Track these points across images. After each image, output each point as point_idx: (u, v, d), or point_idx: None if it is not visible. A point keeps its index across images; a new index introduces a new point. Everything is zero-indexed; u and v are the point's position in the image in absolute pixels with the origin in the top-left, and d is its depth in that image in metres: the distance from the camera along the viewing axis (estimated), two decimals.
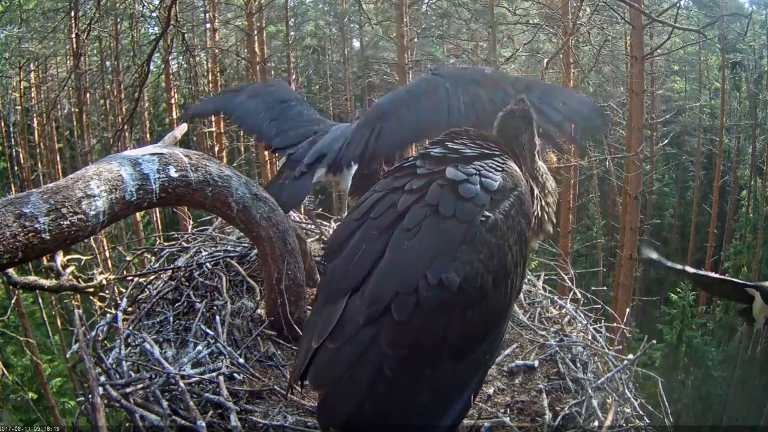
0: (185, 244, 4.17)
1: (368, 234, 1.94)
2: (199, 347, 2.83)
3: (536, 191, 2.26)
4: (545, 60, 11.39)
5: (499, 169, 2.03)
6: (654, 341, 3.45)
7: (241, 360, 2.79)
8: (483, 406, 2.71)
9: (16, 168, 20.13)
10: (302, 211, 4.75)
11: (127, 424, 2.61)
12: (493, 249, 1.88)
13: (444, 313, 1.80)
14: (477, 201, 1.91)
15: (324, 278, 2.15)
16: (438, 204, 1.90)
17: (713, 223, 19.58)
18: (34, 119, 19.89)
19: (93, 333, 3.02)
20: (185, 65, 17.77)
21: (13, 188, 18.38)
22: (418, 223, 1.87)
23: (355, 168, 3.68)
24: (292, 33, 21.07)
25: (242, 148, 20.49)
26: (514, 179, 2.04)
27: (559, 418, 2.66)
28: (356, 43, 24.27)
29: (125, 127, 7.52)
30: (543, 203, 2.28)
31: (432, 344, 1.81)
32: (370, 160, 3.43)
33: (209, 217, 4.89)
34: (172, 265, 3.88)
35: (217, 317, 3.10)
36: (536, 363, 3.05)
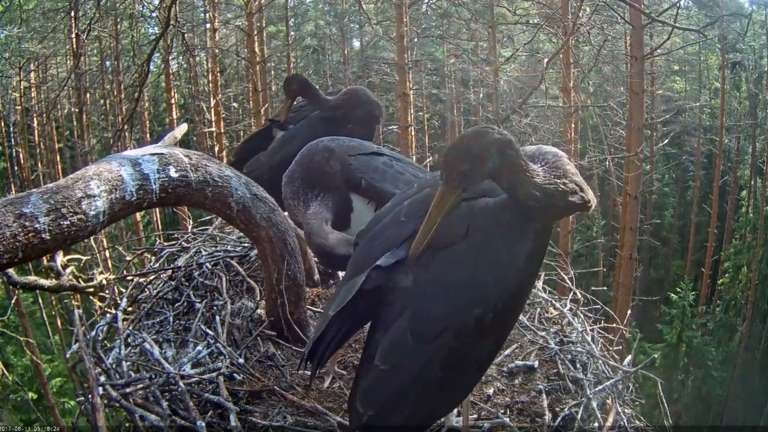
0: (185, 244, 4.17)
1: (396, 220, 2.06)
2: (199, 347, 2.83)
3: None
4: (545, 60, 11.39)
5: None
6: (655, 356, 3.44)
7: (241, 360, 2.79)
8: (483, 406, 2.71)
9: (16, 168, 20.09)
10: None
11: (127, 424, 2.61)
12: (526, 277, 2.01)
13: (487, 336, 1.96)
14: (521, 229, 1.94)
15: (353, 254, 2.25)
16: (487, 224, 1.94)
17: (713, 223, 19.53)
18: (34, 119, 19.84)
19: (93, 333, 3.02)
20: (185, 65, 17.78)
21: (13, 188, 18.34)
22: (467, 245, 1.92)
23: None
24: (292, 33, 20.99)
25: None
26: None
27: (559, 418, 2.66)
28: (356, 43, 24.20)
29: (125, 127, 7.51)
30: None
31: (472, 362, 1.99)
32: None
33: (209, 217, 4.89)
34: (172, 265, 3.88)
35: (217, 317, 3.10)
36: (536, 364, 3.06)
